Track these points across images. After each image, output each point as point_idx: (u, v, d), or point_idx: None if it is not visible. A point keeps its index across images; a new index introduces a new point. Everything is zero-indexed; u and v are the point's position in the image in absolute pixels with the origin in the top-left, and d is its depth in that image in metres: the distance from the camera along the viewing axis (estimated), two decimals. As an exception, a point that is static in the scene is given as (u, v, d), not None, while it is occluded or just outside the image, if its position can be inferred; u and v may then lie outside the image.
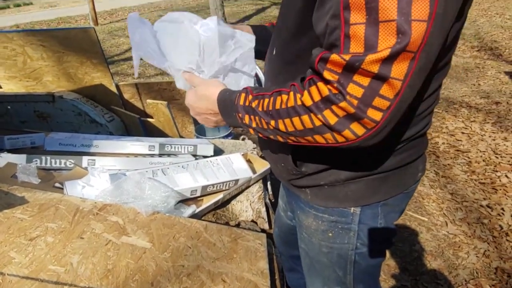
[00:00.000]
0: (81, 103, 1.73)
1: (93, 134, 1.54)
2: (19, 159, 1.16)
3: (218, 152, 1.59)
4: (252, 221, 1.30)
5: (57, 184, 1.13)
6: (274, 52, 0.70)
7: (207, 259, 0.91)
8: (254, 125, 0.60)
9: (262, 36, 0.80)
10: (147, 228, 0.96)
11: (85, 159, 1.27)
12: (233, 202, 1.36)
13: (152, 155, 1.42)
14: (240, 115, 0.62)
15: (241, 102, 0.62)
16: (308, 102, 0.51)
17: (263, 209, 1.34)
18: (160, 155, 1.43)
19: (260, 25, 0.87)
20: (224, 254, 0.94)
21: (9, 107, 1.68)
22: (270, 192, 1.49)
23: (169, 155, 1.45)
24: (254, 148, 1.74)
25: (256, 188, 1.40)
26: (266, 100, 0.57)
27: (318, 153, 0.69)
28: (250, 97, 0.61)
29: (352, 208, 0.73)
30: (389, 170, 0.69)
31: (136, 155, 1.39)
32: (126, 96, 1.89)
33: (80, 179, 1.13)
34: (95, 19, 8.74)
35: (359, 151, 0.58)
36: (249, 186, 1.40)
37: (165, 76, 3.98)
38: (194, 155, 1.49)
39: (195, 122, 2.29)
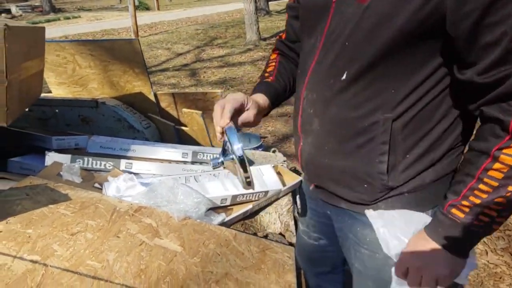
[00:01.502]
0: (121, 110, 1.82)
1: (130, 139, 1.62)
2: (64, 159, 1.24)
3: (248, 163, 1.60)
4: (280, 233, 1.29)
5: (96, 185, 1.19)
6: (344, 77, 0.65)
7: (235, 267, 0.91)
8: (494, 214, 0.55)
9: (276, 93, 0.89)
10: (179, 232, 0.98)
11: (123, 162, 1.33)
12: (261, 213, 1.36)
13: (185, 162, 1.46)
14: (475, 223, 0.56)
15: (462, 215, 0.57)
16: None
17: (292, 223, 1.33)
18: (193, 162, 1.47)
19: (270, 88, 0.90)
20: (252, 264, 0.94)
21: (57, 110, 1.80)
22: (299, 206, 1.47)
23: (201, 163, 1.49)
24: (284, 161, 1.74)
25: (285, 201, 1.40)
26: (482, 186, 0.54)
27: (413, 161, 0.67)
28: (465, 202, 0.56)
29: (430, 211, 0.70)
30: (450, 172, 0.70)
31: (170, 161, 1.44)
32: (162, 104, 1.97)
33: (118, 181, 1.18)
34: (136, 31, 9.25)
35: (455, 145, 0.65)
36: (278, 199, 1.40)
37: (199, 87, 4.11)
38: (225, 165, 1.51)
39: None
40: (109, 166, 1.30)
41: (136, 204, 1.05)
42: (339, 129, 0.70)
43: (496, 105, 0.52)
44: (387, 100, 0.63)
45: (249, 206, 1.29)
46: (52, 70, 1.85)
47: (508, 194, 0.52)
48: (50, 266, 0.77)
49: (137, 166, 1.34)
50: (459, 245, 0.58)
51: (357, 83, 0.64)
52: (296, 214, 1.39)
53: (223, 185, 1.30)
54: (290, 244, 1.17)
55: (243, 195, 1.30)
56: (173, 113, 2.01)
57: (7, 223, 0.86)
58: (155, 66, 4.92)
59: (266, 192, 1.35)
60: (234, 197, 1.27)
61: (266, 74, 0.90)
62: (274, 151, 1.88)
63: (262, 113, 0.86)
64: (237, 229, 1.19)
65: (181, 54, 5.41)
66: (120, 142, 1.48)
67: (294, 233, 1.29)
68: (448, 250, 0.59)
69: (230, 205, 1.29)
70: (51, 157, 1.22)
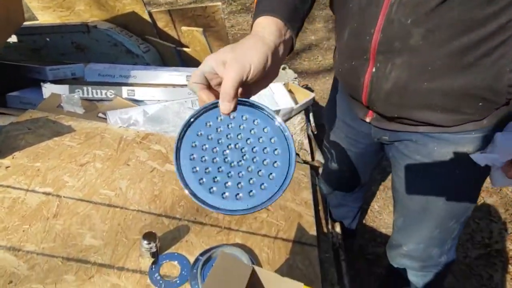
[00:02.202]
0: (116, 33, 1.67)
1: (130, 65, 1.51)
2: (62, 89, 1.17)
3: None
4: (294, 152, 1.27)
5: (100, 114, 1.14)
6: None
7: (250, 188, 0.90)
8: None
9: (295, 13, 0.52)
10: (190, 157, 0.95)
11: (124, 90, 1.26)
12: (274, 133, 1.32)
13: (190, 86, 1.37)
14: None
15: None
16: None
17: (306, 141, 1.29)
18: (198, 85, 1.38)
19: (283, 5, 0.52)
20: (267, 184, 0.93)
21: (48, 39, 1.67)
22: (313, 124, 1.42)
23: (207, 85, 1.40)
24: (295, 78, 1.63)
25: (298, 119, 1.34)
26: None
27: None
28: None
29: None
30: None
31: (174, 85, 1.36)
32: (159, 24, 1.80)
33: (122, 109, 1.13)
34: None
35: None
36: (291, 117, 1.34)
37: (198, 3, 3.76)
38: (233, 85, 1.42)
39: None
40: (111, 95, 1.24)
41: (143, 131, 1.01)
42: (459, 37, 0.53)
43: None
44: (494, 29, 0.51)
45: (260, 127, 1.24)
46: (33, -8, 1.66)
47: None
48: (63, 197, 0.77)
49: (140, 93, 1.27)
50: None
51: (450, 7, 0.50)
52: (310, 133, 1.34)
53: (232, 107, 1.24)
54: (305, 162, 1.15)
55: (253, 116, 1.24)
56: (172, 33, 1.84)
57: (13, 158, 0.84)
58: (148, -16, 4.46)
59: (278, 111, 1.28)
60: (244, 118, 1.22)
61: None
62: (284, 68, 1.76)
63: (282, 57, 0.49)
64: (250, 151, 1.15)
65: (175, -33, 4.85)
66: (119, 68, 1.38)
67: (309, 151, 1.26)
68: None
69: (241, 127, 1.25)
70: (48, 89, 1.16)
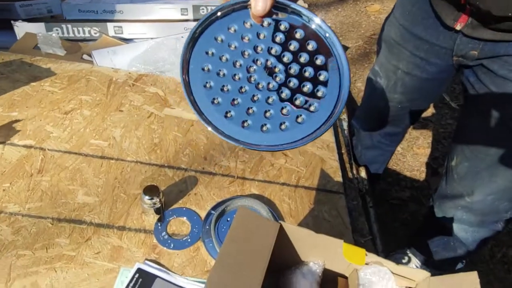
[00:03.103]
0: (96, -36, 1.44)
1: None
2: (37, 28, 1.01)
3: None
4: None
5: (85, 56, 0.99)
6: None
7: (263, 132, 0.78)
8: None
9: None
10: (192, 99, 0.82)
11: (110, 27, 1.09)
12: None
13: (186, 20, 1.19)
14: None
15: None
16: None
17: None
18: (195, 19, 1.20)
19: None
20: (282, 127, 0.81)
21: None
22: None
23: (205, 19, 1.22)
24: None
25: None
26: None
27: None
28: None
29: None
30: None
31: (167, 20, 1.18)
32: (145, -49, 1.55)
33: (109, 47, 0.97)
34: None
35: None
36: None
37: None
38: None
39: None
40: (95, 33, 1.07)
41: (135, 72, 0.87)
42: None
43: None
44: None
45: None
46: None
47: None
48: (48, 149, 0.66)
49: (128, 30, 1.10)
50: None
51: None
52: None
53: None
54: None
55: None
56: (161, -39, 1.59)
57: (-15, 107, 0.71)
58: None
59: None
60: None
61: None
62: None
63: None
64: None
65: None
66: (102, 2, 1.19)
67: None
68: None
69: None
70: (20, 28, 0.99)
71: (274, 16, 0.33)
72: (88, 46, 1.02)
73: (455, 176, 0.72)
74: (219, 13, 0.33)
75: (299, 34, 0.33)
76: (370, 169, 0.97)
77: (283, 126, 0.34)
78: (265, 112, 0.34)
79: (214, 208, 0.61)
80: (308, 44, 0.33)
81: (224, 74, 0.34)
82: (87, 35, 1.07)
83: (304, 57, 0.33)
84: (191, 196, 0.63)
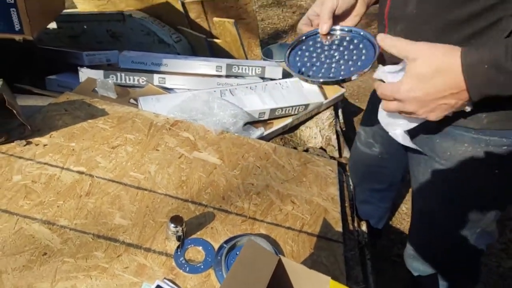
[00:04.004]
0: (149, 23, 1.70)
1: (162, 54, 1.54)
2: (97, 74, 1.21)
3: (287, 75, 1.49)
4: (321, 148, 1.24)
5: (132, 100, 1.17)
6: None
7: (276, 180, 0.89)
8: None
9: None
10: (217, 145, 0.96)
11: (156, 77, 1.28)
12: (301, 127, 1.30)
13: (219, 76, 1.38)
14: None
15: None
16: None
17: (334, 137, 1.26)
18: (227, 76, 1.38)
19: None
20: (293, 177, 0.91)
21: (85, 26, 1.73)
22: (342, 120, 1.38)
23: (236, 76, 1.40)
24: (325, 73, 1.60)
25: (327, 115, 1.31)
26: None
27: None
28: None
29: None
30: None
31: (203, 75, 1.36)
32: (192, 15, 1.82)
33: (153, 95, 1.15)
34: None
35: None
36: (319, 112, 1.31)
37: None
38: (262, 78, 1.41)
39: (262, 44, 2.16)
40: (143, 82, 1.26)
41: (173, 118, 1.03)
42: (445, 12, 0.51)
43: None
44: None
45: (288, 120, 1.23)
46: (73, -19, 1.72)
47: None
48: (96, 177, 0.79)
49: (170, 81, 1.29)
50: (489, 91, 0.44)
51: None
52: (339, 129, 1.31)
53: (261, 99, 1.23)
54: (332, 158, 1.12)
55: (282, 108, 1.22)
56: (204, 24, 1.85)
57: (50, 137, 0.87)
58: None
59: (307, 105, 1.26)
60: (273, 110, 1.21)
61: None
62: (314, 63, 1.73)
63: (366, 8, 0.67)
64: (277, 144, 1.14)
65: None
66: (151, 56, 1.40)
67: (336, 147, 1.23)
68: (469, 83, 0.44)
69: (269, 119, 1.24)
70: (84, 73, 1.20)
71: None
72: (136, 92, 1.20)
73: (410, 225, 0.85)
74: (303, 37, 0.66)
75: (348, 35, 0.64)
76: (369, 222, 1.04)
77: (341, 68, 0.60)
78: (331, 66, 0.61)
79: (227, 242, 0.70)
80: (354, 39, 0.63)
81: (306, 60, 0.64)
82: (136, 82, 1.26)
83: (351, 47, 0.62)
84: (208, 229, 0.73)
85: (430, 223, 0.75)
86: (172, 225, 0.66)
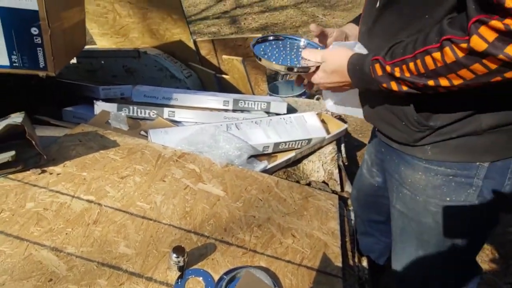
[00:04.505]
0: (163, 59, 1.81)
1: (173, 88, 1.62)
2: (111, 107, 1.28)
3: (291, 110, 1.54)
4: (324, 182, 1.26)
5: (142, 132, 1.23)
6: (378, 4, 0.65)
7: (277, 212, 0.91)
8: (405, 89, 0.58)
9: None
10: (221, 178, 0.99)
11: (166, 111, 1.35)
12: (304, 161, 1.33)
13: (226, 110, 1.44)
14: (384, 85, 0.60)
15: (379, 73, 0.59)
16: (481, 47, 0.44)
17: (336, 171, 1.29)
18: (234, 110, 1.45)
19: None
20: (294, 210, 0.93)
21: (102, 62, 1.85)
22: (344, 155, 1.42)
23: (242, 111, 1.46)
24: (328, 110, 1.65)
25: (330, 149, 1.35)
26: (411, 64, 0.54)
27: (459, 101, 0.59)
28: (389, 67, 0.57)
29: (479, 162, 0.63)
30: None
31: (211, 109, 1.43)
32: (203, 52, 1.93)
33: (162, 128, 1.20)
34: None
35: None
36: (322, 147, 1.35)
37: (239, 35, 3.97)
38: (267, 112, 1.47)
39: (269, 80, 2.26)
40: (153, 115, 1.33)
41: (180, 150, 1.07)
42: (392, 36, 0.64)
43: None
44: (422, 28, 0.57)
45: (291, 154, 1.26)
46: (94, 21, 1.86)
47: (424, 85, 0.54)
48: (104, 205, 0.83)
49: (179, 114, 1.36)
50: (361, 84, 0.66)
51: (390, 11, 0.62)
52: (341, 163, 1.34)
53: (265, 133, 1.28)
54: (334, 192, 1.14)
55: (285, 142, 1.26)
56: (214, 60, 1.96)
57: (64, 166, 0.92)
58: (194, 15, 4.79)
59: (309, 139, 1.30)
60: (276, 144, 1.25)
61: None
62: (318, 99, 1.79)
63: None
64: (280, 177, 1.17)
65: (220, 0, 5.17)
66: (162, 91, 1.48)
67: (338, 182, 1.25)
68: (351, 79, 0.67)
69: (273, 153, 1.28)
70: (99, 106, 1.27)
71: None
72: (146, 125, 1.27)
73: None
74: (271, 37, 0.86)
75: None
76: (371, 258, 1.04)
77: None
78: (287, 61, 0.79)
79: (227, 273, 0.71)
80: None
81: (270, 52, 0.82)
82: (147, 115, 1.33)
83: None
84: (208, 260, 0.74)
85: (410, 241, 0.78)
86: (174, 255, 0.68)
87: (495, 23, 0.42)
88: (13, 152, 0.84)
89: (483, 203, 0.66)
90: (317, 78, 0.73)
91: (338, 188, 1.24)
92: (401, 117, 0.67)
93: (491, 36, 0.43)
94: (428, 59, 0.51)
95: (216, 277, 0.71)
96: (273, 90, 2.21)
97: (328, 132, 1.37)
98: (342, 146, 1.43)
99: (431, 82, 0.53)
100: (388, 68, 0.57)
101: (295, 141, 1.27)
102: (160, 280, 0.68)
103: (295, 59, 0.79)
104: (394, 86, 0.58)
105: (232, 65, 1.75)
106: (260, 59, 0.78)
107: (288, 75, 0.82)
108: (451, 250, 0.73)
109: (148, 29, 1.86)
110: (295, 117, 1.38)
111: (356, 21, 0.83)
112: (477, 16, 0.44)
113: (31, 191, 0.82)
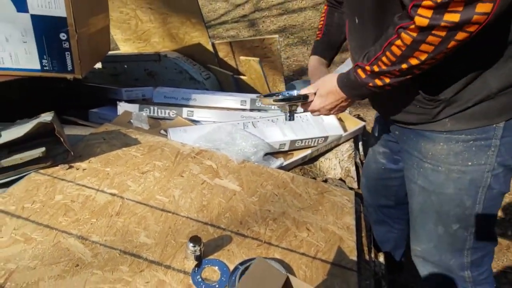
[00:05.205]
0: (182, 62, 1.87)
1: (192, 89, 1.67)
2: (133, 108, 1.34)
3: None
4: (340, 179, 1.26)
5: (162, 131, 1.28)
6: (356, 21, 0.74)
7: (292, 207, 0.92)
8: (388, 81, 0.66)
9: (328, 47, 0.95)
10: (237, 173, 1.02)
11: (185, 111, 1.39)
12: (321, 159, 1.33)
13: (243, 109, 1.47)
14: (370, 84, 0.68)
15: (363, 76, 0.68)
16: (424, 22, 0.54)
17: (353, 168, 1.28)
18: (251, 109, 1.47)
19: (320, 46, 0.95)
20: (309, 205, 0.94)
21: (125, 66, 1.93)
22: (362, 153, 1.41)
23: (259, 110, 1.48)
24: (346, 107, 1.65)
25: (347, 147, 1.34)
26: (384, 58, 0.63)
27: (455, 70, 0.66)
28: (368, 67, 0.66)
29: (495, 124, 0.69)
30: None
31: (228, 109, 1.46)
32: (221, 54, 1.97)
33: (181, 127, 1.25)
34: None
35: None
36: (339, 144, 1.35)
37: (257, 35, 4.01)
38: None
39: (287, 80, 2.27)
40: (173, 114, 1.38)
41: (198, 147, 1.11)
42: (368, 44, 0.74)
43: None
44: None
45: (307, 152, 1.27)
46: (118, 27, 1.95)
47: (400, 70, 0.62)
48: (126, 198, 0.87)
49: (198, 114, 1.40)
50: (354, 92, 0.73)
51: (367, 23, 0.70)
52: (358, 160, 1.33)
53: (282, 131, 1.29)
54: (351, 188, 1.14)
55: (301, 140, 1.27)
56: (231, 62, 2.00)
57: (89, 162, 0.97)
58: (214, 20, 4.88)
59: (326, 137, 1.30)
60: (293, 142, 1.26)
61: (318, 32, 0.97)
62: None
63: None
64: (296, 174, 1.18)
65: (239, 5, 5.24)
66: (182, 92, 1.53)
67: (355, 179, 1.25)
68: (344, 92, 0.74)
69: (289, 151, 1.29)
70: (122, 107, 1.33)
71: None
72: (166, 124, 1.31)
73: (410, 229, 0.89)
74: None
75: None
76: (383, 248, 1.04)
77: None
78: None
79: (241, 263, 0.73)
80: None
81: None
82: (166, 115, 1.38)
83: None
84: (224, 251, 0.77)
85: (428, 215, 0.80)
86: (191, 244, 0.70)
87: (426, 2, 0.53)
88: (43, 149, 0.90)
89: (502, 163, 0.70)
90: (316, 104, 0.79)
91: (355, 185, 1.23)
92: (414, 103, 0.72)
93: (428, 12, 0.53)
94: (394, 48, 0.60)
95: (231, 267, 0.73)
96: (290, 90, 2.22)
97: (345, 130, 1.36)
98: (360, 144, 1.42)
99: (404, 66, 0.61)
100: (368, 68, 0.66)
101: (312, 138, 1.28)
102: (178, 268, 0.71)
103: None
104: (378, 82, 0.66)
105: (249, 66, 1.78)
106: (261, 99, 0.88)
107: (292, 111, 0.87)
108: (470, 220, 0.75)
109: (168, 33, 1.93)
110: (311, 116, 1.39)
111: (318, 52, 0.94)
112: (412, 2, 0.55)
113: (59, 184, 0.88)
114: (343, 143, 1.36)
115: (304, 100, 0.81)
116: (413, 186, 0.81)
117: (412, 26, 0.56)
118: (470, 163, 0.71)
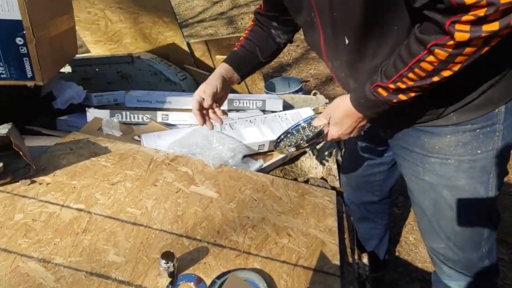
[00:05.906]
0: (156, 63, 1.80)
1: (166, 91, 1.61)
2: (103, 114, 1.27)
3: (288, 107, 1.52)
4: (322, 178, 1.23)
5: (135, 137, 1.21)
6: (347, 42, 0.70)
7: (272, 212, 0.89)
8: (413, 94, 0.64)
9: (243, 62, 0.92)
10: (214, 179, 0.97)
11: (159, 114, 1.33)
12: (302, 158, 1.30)
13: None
14: (394, 100, 0.66)
15: (385, 94, 0.65)
16: (465, 37, 0.53)
17: (334, 167, 1.26)
18: (229, 110, 1.42)
19: (234, 56, 0.92)
20: (290, 209, 0.91)
21: (97, 69, 1.84)
22: (343, 150, 1.38)
23: (237, 110, 1.44)
24: (326, 103, 1.62)
25: (328, 145, 1.32)
26: (411, 75, 0.61)
27: (466, 73, 0.64)
28: (392, 85, 0.63)
29: (497, 109, 0.71)
30: None
31: (205, 110, 1.41)
32: (197, 54, 1.91)
33: (155, 132, 1.19)
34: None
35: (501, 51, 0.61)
36: (319, 143, 1.32)
37: (236, 32, 3.95)
38: (263, 111, 1.45)
39: (267, 78, 2.23)
40: (146, 119, 1.32)
41: (172, 153, 1.06)
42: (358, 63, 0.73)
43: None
44: (394, 42, 0.65)
45: (288, 151, 1.24)
46: (87, 28, 1.86)
47: (430, 83, 0.60)
48: (93, 213, 0.81)
49: (173, 117, 1.34)
50: (374, 110, 0.70)
51: (365, 41, 0.68)
52: (339, 158, 1.31)
53: (260, 131, 1.25)
54: (333, 188, 1.11)
55: (281, 140, 1.24)
56: (208, 62, 1.94)
57: (54, 175, 0.91)
58: (191, 18, 4.79)
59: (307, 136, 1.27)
60: (272, 142, 1.22)
61: (237, 43, 0.94)
62: (315, 94, 1.75)
63: (232, 84, 0.94)
64: (277, 175, 1.15)
65: (217, 2, 5.18)
66: (156, 95, 1.47)
67: (337, 177, 1.22)
68: (361, 112, 0.71)
69: (269, 151, 1.25)
70: (91, 113, 1.26)
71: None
72: (139, 130, 1.25)
73: (421, 232, 0.88)
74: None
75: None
76: (367, 247, 1.03)
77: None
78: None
79: (219, 277, 0.69)
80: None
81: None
82: (140, 120, 1.32)
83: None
84: (200, 264, 0.72)
85: (443, 212, 0.79)
86: (163, 261, 0.66)
87: (467, 17, 0.51)
88: (0, 164, 0.83)
89: (506, 145, 0.72)
90: (334, 133, 0.77)
91: (337, 184, 1.21)
92: (420, 109, 0.72)
93: (467, 27, 0.52)
94: (424, 65, 0.58)
95: (208, 282, 0.68)
96: (270, 88, 2.19)
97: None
98: (341, 141, 1.40)
99: (435, 78, 0.60)
100: (391, 86, 0.63)
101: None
102: (151, 287, 0.66)
103: (310, 133, 0.86)
104: (402, 97, 0.65)
105: (226, 65, 1.73)
106: (277, 149, 0.91)
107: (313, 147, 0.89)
108: (484, 208, 0.75)
109: (140, 34, 1.85)
110: (291, 114, 1.35)
111: (230, 61, 0.90)
112: (449, 19, 0.53)
113: (20, 202, 0.81)
114: (323, 141, 1.33)
115: (320, 137, 0.79)
116: (420, 183, 0.80)
117: (451, 42, 0.54)
118: (479, 151, 0.72)
